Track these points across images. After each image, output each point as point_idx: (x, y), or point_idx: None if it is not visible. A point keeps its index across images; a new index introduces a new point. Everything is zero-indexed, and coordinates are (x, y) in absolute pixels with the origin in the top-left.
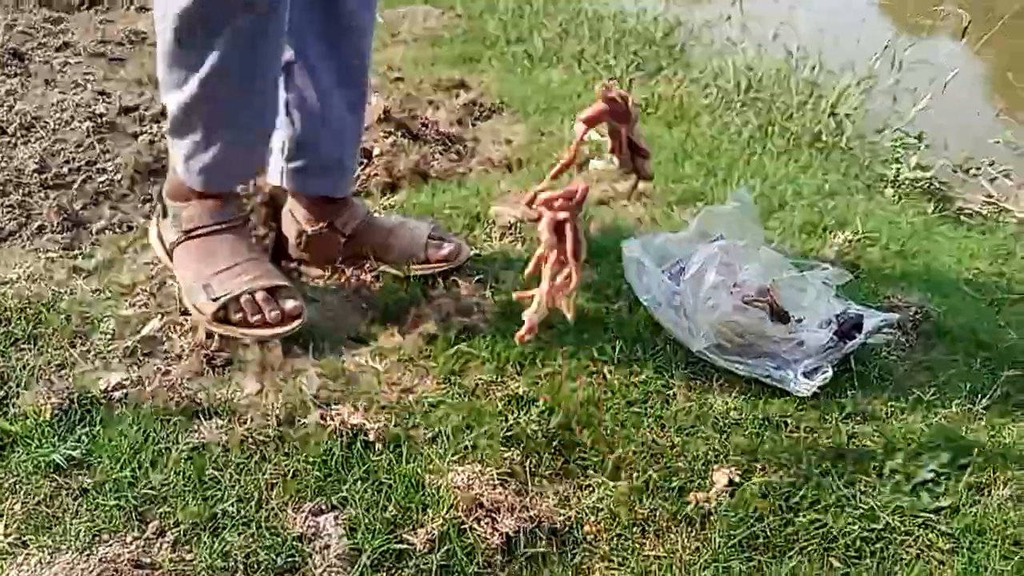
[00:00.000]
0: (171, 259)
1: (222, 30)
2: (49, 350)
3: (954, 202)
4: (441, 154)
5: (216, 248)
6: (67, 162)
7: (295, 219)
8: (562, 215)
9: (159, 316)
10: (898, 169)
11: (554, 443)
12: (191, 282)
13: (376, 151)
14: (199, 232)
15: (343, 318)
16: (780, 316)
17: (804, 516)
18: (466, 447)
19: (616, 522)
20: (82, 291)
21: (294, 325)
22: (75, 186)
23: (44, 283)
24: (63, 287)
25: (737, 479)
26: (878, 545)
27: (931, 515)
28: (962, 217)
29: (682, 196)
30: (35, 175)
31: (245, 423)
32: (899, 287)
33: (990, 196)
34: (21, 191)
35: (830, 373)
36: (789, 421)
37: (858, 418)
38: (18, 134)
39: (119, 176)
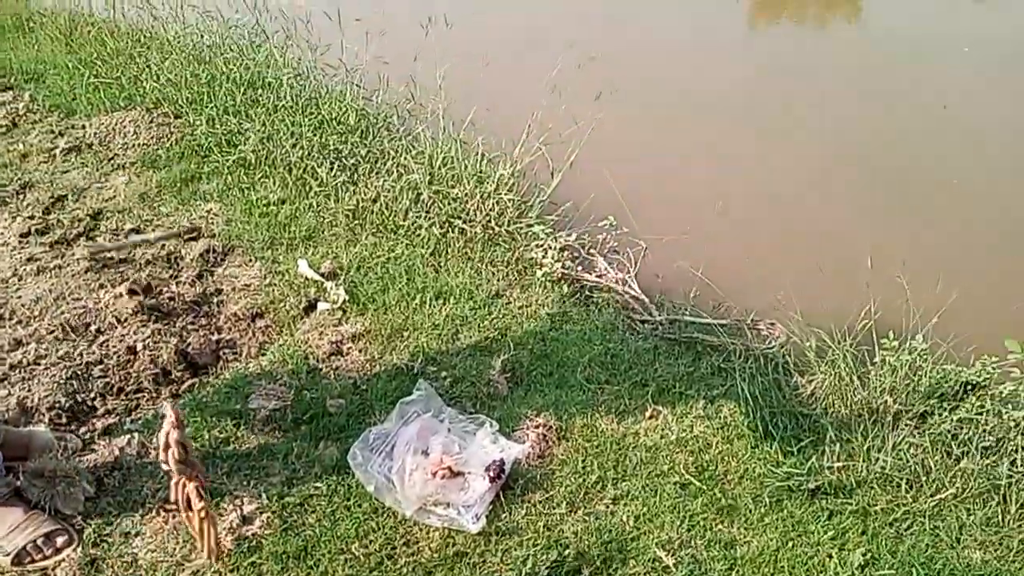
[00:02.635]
0: None
1: None
2: None
3: (581, 282)
4: (194, 322)
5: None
6: None
7: None
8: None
9: None
10: (543, 255)
11: None
12: None
13: (139, 346)
14: None
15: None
16: (456, 475)
17: None
18: None
19: None
20: None
21: (67, 552)
22: None
23: None
24: None
25: None
26: None
27: None
28: (587, 295)
29: (392, 330)
30: None
31: None
32: (538, 407)
33: (601, 274)
34: None
35: (483, 519)
36: (469, 552)
37: (505, 535)
38: None
39: None
